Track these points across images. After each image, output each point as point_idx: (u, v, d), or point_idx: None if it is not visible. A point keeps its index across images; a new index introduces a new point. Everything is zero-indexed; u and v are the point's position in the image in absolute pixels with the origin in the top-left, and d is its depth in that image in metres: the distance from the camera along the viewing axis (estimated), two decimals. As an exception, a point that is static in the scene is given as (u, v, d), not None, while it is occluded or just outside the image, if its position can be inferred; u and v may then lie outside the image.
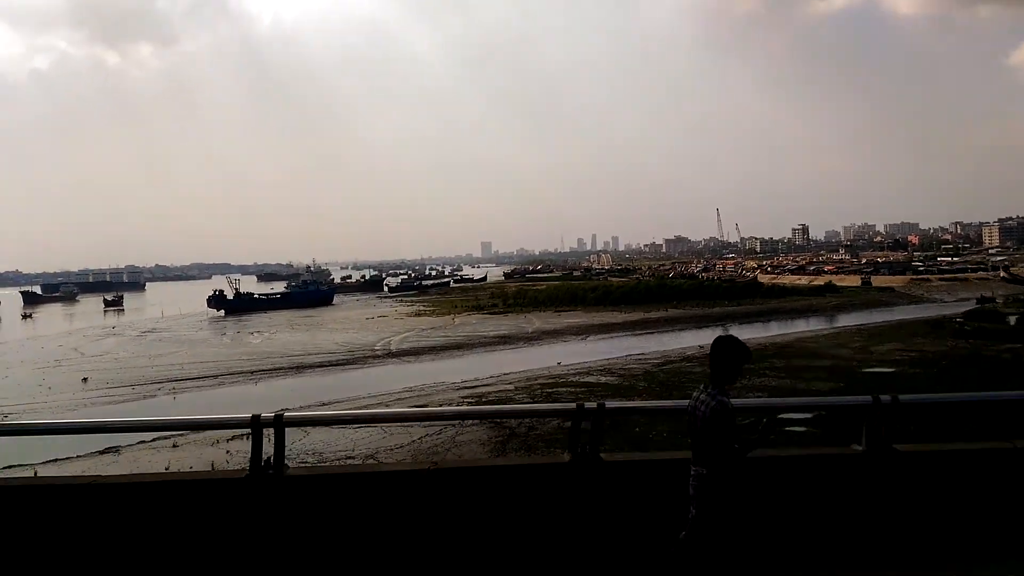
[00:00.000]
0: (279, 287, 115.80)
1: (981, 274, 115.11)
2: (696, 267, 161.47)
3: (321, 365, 47.90)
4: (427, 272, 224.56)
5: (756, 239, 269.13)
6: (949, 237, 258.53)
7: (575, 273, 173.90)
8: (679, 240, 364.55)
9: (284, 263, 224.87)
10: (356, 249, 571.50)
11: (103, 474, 5.09)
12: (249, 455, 4.76)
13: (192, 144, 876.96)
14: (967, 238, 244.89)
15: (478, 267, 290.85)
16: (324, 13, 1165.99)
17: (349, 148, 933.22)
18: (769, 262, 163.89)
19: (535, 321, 74.39)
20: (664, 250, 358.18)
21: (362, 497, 4.72)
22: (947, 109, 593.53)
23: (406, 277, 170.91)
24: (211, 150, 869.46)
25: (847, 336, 52.87)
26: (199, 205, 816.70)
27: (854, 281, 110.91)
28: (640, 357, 44.58)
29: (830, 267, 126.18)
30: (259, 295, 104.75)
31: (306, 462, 19.75)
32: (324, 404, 33.16)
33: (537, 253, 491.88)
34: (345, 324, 76.79)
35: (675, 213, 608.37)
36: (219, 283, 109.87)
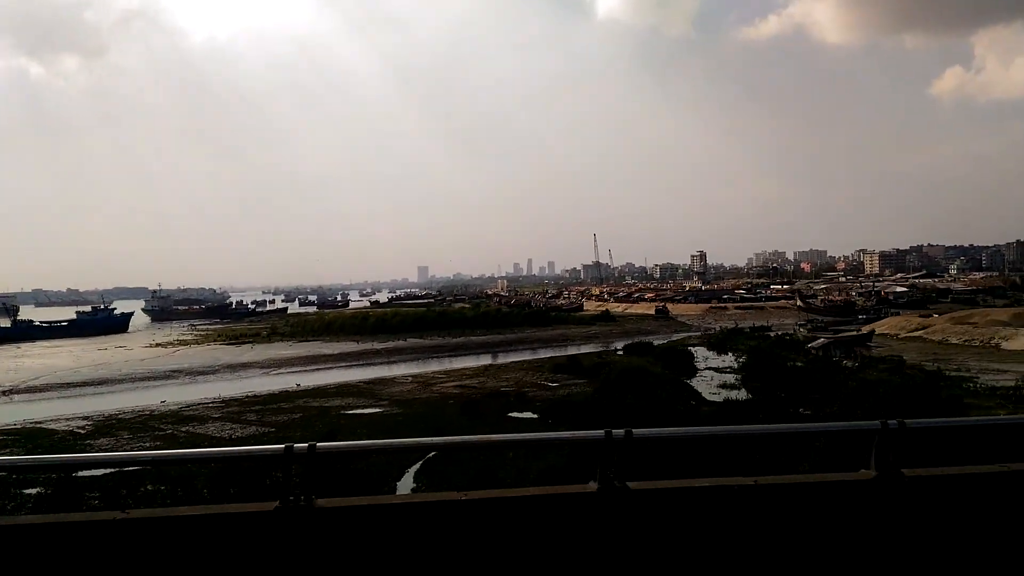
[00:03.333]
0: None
1: (783, 302, 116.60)
2: (550, 294, 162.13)
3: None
4: (309, 298, 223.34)
5: (630, 265, 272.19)
6: (842, 265, 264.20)
7: (474, 300, 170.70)
8: (596, 265, 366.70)
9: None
10: (285, 274, 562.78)
11: (133, 510, 4.66)
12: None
13: (115, 161, 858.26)
14: (857, 266, 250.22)
15: (376, 293, 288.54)
16: (259, 30, 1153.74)
17: (281, 168, 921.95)
18: (611, 289, 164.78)
19: (265, 351, 73.93)
20: (582, 275, 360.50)
21: (394, 528, 4.73)
22: (873, 136, 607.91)
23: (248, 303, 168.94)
24: (136, 166, 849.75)
25: (491, 370, 52.41)
26: (115, 224, 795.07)
27: (650, 309, 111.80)
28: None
29: (650, 295, 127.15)
30: (41, 322, 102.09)
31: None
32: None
33: (474, 277, 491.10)
34: (56, 353, 75.31)
35: (601, 238, 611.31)
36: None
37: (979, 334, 60.83)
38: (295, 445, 4.70)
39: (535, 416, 33.68)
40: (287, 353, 71.80)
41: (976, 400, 34.57)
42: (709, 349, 61.41)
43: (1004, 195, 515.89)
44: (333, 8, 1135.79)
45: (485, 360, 62.86)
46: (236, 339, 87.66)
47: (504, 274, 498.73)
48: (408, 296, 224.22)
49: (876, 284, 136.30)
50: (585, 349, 67.81)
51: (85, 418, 37.27)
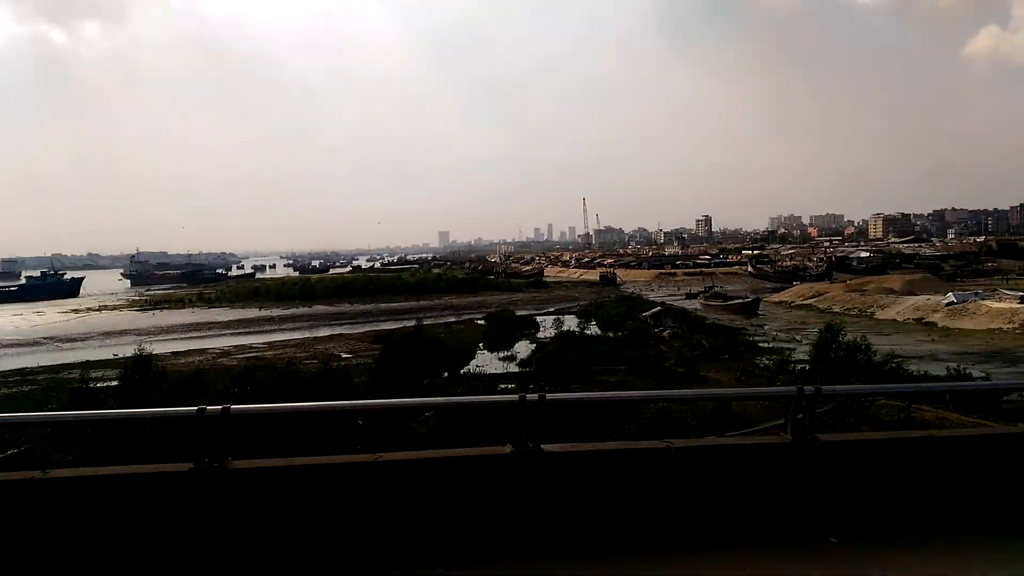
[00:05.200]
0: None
1: (737, 268, 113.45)
2: (524, 259, 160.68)
3: None
4: (312, 263, 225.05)
5: (642, 231, 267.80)
6: (851, 230, 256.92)
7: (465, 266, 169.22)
8: (608, 231, 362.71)
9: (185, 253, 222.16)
10: (311, 239, 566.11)
11: (54, 470, 4.77)
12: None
13: (138, 126, 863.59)
14: (862, 230, 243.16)
15: (376, 260, 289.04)
16: None
17: (303, 135, 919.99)
18: (580, 255, 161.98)
19: (168, 318, 74.46)
20: (592, 241, 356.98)
21: (307, 489, 4.80)
22: (903, 99, 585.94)
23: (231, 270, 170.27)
24: (159, 133, 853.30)
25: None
26: (141, 190, 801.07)
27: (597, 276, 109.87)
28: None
29: (609, 261, 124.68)
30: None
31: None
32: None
33: (494, 242, 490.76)
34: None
35: (624, 202, 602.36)
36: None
37: (861, 303, 58.04)
38: (207, 407, 4.70)
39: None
40: (181, 320, 71.73)
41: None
42: (578, 318, 59.53)
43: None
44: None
45: (365, 328, 61.61)
46: (157, 305, 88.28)
47: (525, 239, 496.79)
48: (401, 262, 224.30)
49: (839, 250, 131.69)
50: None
51: None
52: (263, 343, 51.38)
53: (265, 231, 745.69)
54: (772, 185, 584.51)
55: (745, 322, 57.25)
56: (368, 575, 4.70)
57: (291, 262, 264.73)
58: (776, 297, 70.80)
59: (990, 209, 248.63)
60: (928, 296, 54.04)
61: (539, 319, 56.59)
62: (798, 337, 46.00)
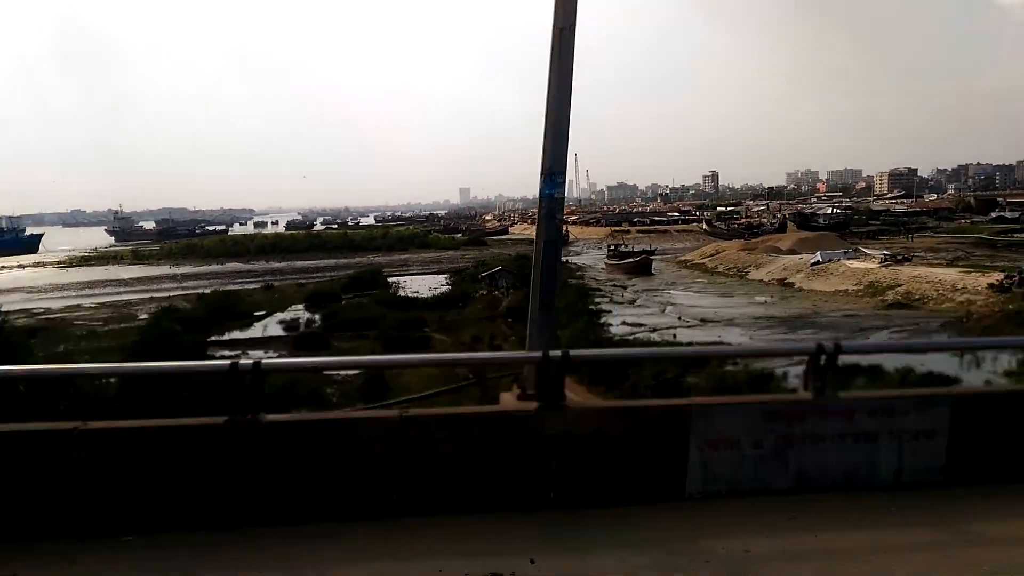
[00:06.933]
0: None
1: (694, 226, 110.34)
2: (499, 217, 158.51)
3: None
4: (308, 220, 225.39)
5: (629, 186, 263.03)
6: (862, 185, 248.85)
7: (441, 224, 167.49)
8: (620, 187, 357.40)
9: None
10: (329, 198, 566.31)
11: (91, 422, 5.13)
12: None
13: (161, 86, 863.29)
14: (869, 186, 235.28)
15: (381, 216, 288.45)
16: None
17: (324, 91, 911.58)
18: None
19: (104, 273, 74.62)
20: (606, 196, 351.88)
21: (334, 440, 5.11)
22: (935, 51, 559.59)
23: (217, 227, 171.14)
24: (181, 92, 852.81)
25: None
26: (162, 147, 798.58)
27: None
28: None
29: (574, 218, 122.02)
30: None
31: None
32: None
33: (516, 198, 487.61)
34: None
35: (640, 158, 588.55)
36: None
37: (742, 262, 55.47)
38: (240, 362, 4.89)
39: None
40: (90, 276, 71.55)
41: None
42: (449, 277, 57.91)
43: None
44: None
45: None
46: (88, 261, 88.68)
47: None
48: (395, 219, 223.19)
49: (806, 207, 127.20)
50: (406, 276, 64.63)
51: None
52: (109, 302, 50.78)
53: (289, 189, 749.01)
54: (794, 139, 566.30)
55: (628, 281, 55.27)
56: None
57: (289, 220, 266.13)
58: (687, 256, 68.31)
59: (1013, 163, 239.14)
60: (801, 256, 51.27)
61: (405, 279, 55.27)
62: (640, 301, 44.16)
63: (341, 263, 78.29)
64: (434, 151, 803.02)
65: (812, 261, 47.84)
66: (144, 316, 41.77)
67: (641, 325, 34.84)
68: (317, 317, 36.47)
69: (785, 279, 47.23)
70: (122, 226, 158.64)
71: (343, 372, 23.35)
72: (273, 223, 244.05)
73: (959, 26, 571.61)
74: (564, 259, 76.23)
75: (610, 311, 39.77)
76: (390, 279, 55.48)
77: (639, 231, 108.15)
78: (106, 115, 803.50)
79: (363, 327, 32.66)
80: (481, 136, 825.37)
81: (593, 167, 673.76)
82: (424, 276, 59.64)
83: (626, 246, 70.72)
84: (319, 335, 30.69)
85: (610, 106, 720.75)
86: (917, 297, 37.41)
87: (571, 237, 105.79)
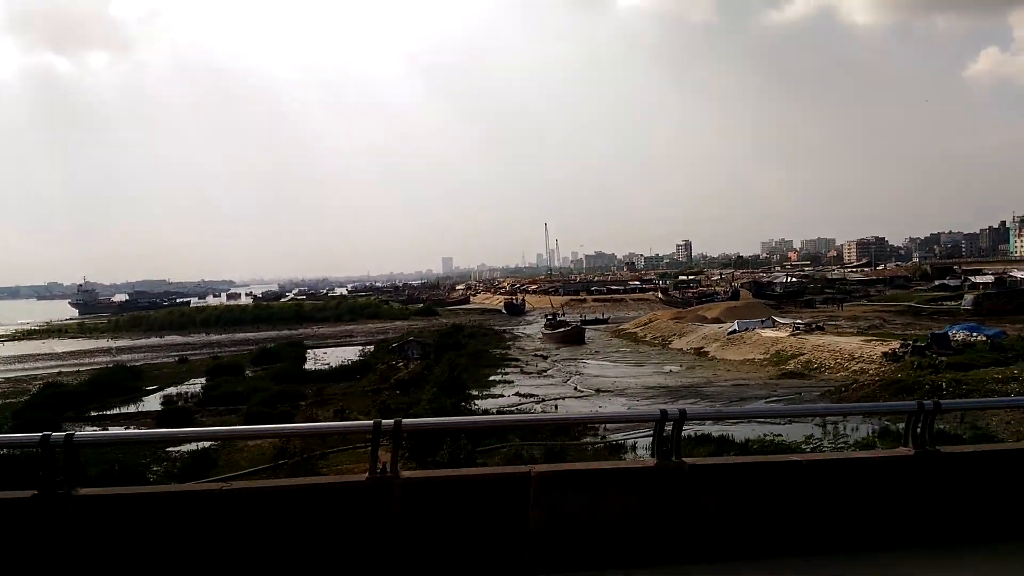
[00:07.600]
0: None
1: (650, 295, 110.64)
2: (466, 286, 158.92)
3: None
4: (287, 292, 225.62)
5: (608, 255, 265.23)
6: (833, 253, 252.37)
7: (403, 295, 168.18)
8: (598, 255, 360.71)
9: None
10: (313, 267, 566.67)
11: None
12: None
13: (142, 156, 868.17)
14: (839, 255, 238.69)
15: (352, 286, 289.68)
16: (281, 28, 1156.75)
17: (304, 164, 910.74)
18: (515, 281, 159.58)
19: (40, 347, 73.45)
20: (584, 264, 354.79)
21: (151, 515, 4.89)
22: (904, 122, 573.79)
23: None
24: (162, 162, 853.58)
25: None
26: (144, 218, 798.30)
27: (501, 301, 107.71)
28: None
29: (534, 287, 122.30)
30: None
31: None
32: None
33: (498, 267, 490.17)
34: None
35: (620, 228, 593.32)
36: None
37: (668, 330, 55.26)
38: (52, 434, 4.76)
39: None
40: (20, 351, 70.40)
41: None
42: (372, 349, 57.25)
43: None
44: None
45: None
46: (31, 334, 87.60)
47: (527, 264, 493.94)
48: (365, 289, 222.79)
49: (765, 275, 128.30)
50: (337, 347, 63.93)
51: None
52: (17, 376, 49.67)
53: (272, 259, 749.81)
54: (771, 210, 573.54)
55: (556, 350, 54.79)
56: None
57: (264, 291, 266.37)
58: (624, 325, 68.10)
59: (987, 229, 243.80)
60: (720, 325, 51.15)
61: (324, 352, 54.64)
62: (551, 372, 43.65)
63: (283, 335, 77.63)
64: (417, 220, 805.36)
65: (729, 330, 47.68)
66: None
67: (532, 396, 34.19)
68: (201, 391, 35.64)
69: (702, 348, 46.92)
70: (85, 299, 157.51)
71: (179, 448, 22.67)
72: (247, 294, 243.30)
73: (932, 96, 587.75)
74: (507, 329, 76.32)
75: (512, 382, 39.30)
76: (312, 351, 54.90)
77: (595, 300, 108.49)
78: (83, 185, 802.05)
79: (239, 401, 31.90)
80: (463, 207, 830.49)
81: (575, 236, 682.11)
82: (349, 348, 58.92)
83: (566, 315, 70.79)
84: (185, 411, 29.90)
85: (596, 173, 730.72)
86: (815, 366, 37.08)
87: (527, 306, 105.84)
